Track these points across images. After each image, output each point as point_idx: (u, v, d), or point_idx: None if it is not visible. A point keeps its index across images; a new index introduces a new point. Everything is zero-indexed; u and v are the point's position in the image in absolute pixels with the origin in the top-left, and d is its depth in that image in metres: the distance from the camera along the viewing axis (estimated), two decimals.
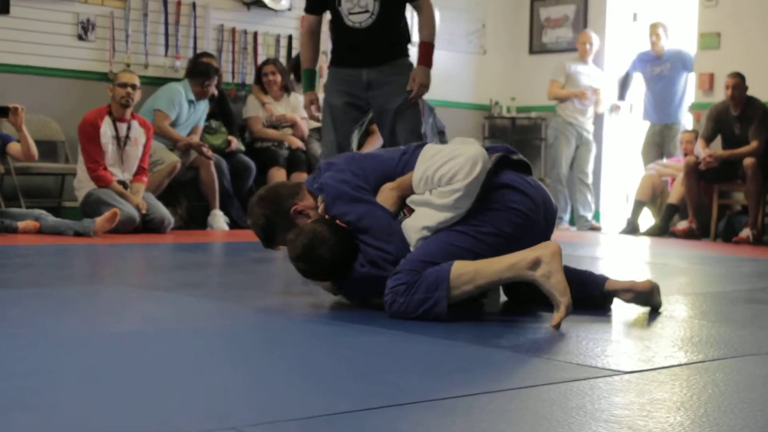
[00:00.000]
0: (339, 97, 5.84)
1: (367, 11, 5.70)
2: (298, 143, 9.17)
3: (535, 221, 3.61)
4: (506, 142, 11.84)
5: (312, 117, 6.17)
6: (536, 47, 11.94)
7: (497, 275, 3.39)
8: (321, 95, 6.02)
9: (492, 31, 11.85)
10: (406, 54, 5.89)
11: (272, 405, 2.18)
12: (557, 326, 3.31)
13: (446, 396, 2.32)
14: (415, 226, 3.51)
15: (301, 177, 8.62)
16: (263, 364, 2.71)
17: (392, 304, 3.39)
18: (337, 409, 2.13)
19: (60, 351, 2.74)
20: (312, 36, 6.03)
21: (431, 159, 3.52)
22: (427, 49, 5.80)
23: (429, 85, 5.77)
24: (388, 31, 5.77)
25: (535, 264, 3.34)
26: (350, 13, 5.71)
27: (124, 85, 7.67)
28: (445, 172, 3.45)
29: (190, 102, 8.59)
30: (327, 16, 5.98)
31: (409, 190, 3.58)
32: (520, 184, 3.63)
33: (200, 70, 8.62)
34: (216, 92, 8.80)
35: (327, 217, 3.59)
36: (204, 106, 8.77)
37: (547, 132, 11.23)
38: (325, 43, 8.41)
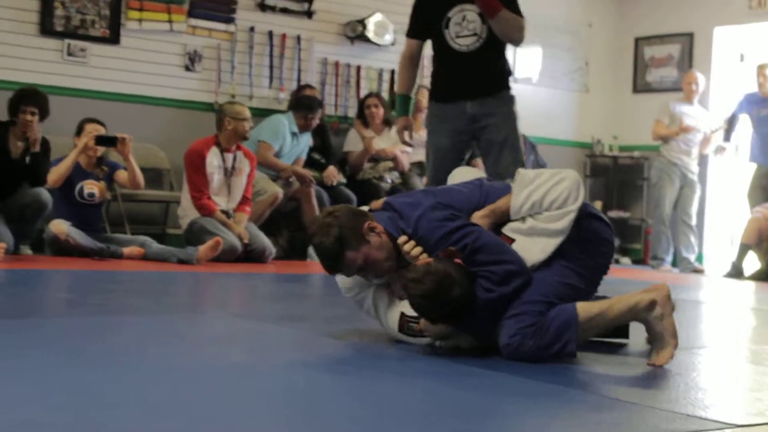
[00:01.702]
0: (444, 137, 5.81)
1: (475, 34, 5.66)
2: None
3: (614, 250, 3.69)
4: (608, 181, 11.74)
5: (404, 142, 6.13)
6: (640, 86, 11.82)
7: (619, 317, 3.44)
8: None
9: (595, 69, 11.76)
10: (509, 86, 5.85)
11: None
12: (661, 365, 3.35)
13: None
14: (530, 259, 3.46)
15: None
16: (370, 399, 2.69)
17: (520, 347, 3.32)
18: None
19: (162, 382, 2.75)
20: (411, 61, 5.97)
21: (532, 183, 3.51)
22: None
23: None
24: (493, 59, 5.73)
25: (652, 306, 3.38)
26: (457, 36, 5.67)
27: (245, 120, 7.80)
28: (557, 195, 3.47)
29: (294, 134, 8.66)
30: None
31: (503, 217, 3.54)
32: (600, 213, 3.68)
33: (304, 103, 8.68)
34: (318, 124, 8.85)
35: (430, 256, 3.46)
36: (307, 139, 8.83)
37: (649, 172, 11.08)
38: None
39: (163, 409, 2.38)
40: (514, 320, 3.34)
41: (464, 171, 4.18)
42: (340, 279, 3.71)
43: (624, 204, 11.76)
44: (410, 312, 3.50)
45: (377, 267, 3.51)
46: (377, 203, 3.69)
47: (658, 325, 3.39)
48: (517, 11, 5.69)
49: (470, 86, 5.74)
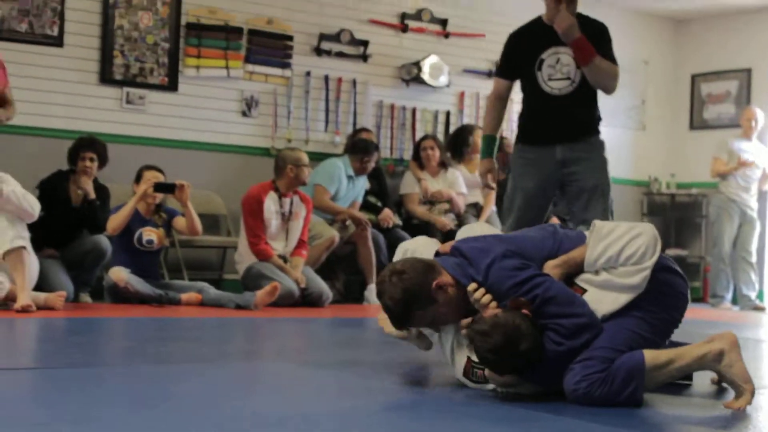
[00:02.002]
0: (531, 180, 5.64)
1: (568, 78, 5.54)
2: (445, 225, 9.03)
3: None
4: (665, 219, 11.64)
5: (487, 185, 5.94)
6: (697, 123, 11.73)
7: (686, 368, 3.44)
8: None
9: (652, 106, 11.71)
10: (599, 132, 5.70)
11: None
12: (741, 408, 3.36)
13: None
14: (600, 310, 3.43)
15: None
16: None
17: (588, 393, 3.30)
18: None
19: (226, 430, 2.76)
20: (499, 101, 5.82)
21: (609, 237, 3.48)
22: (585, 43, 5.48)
23: (566, 28, 5.42)
24: (585, 104, 5.61)
25: (720, 356, 3.39)
26: (550, 79, 5.56)
27: (305, 165, 7.87)
28: (633, 251, 3.45)
29: (350, 177, 8.69)
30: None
31: (576, 268, 3.51)
32: (675, 265, 3.65)
33: (360, 147, 8.72)
34: (373, 167, 8.86)
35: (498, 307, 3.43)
36: (363, 182, 8.86)
37: (708, 209, 10.99)
38: None
39: None
40: (580, 365, 3.32)
41: (476, 228, 4.15)
42: None
43: (682, 242, 11.66)
44: (476, 358, 3.48)
45: (445, 321, 3.55)
46: (445, 247, 3.68)
47: (729, 373, 3.39)
48: (611, 58, 5.60)
49: (561, 130, 5.60)
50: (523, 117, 5.82)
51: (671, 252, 11.37)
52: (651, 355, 3.36)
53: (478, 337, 3.31)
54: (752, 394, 3.38)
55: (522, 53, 5.69)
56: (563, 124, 5.59)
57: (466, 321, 3.48)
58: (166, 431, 2.70)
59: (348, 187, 8.71)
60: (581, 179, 5.58)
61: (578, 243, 3.57)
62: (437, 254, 3.67)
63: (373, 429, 2.95)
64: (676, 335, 3.68)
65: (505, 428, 3.01)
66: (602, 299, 3.44)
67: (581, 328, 3.36)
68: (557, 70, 5.54)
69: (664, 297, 3.53)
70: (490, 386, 3.50)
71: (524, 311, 3.33)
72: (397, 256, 3.95)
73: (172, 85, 8.61)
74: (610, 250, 3.46)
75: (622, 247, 3.45)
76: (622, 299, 3.45)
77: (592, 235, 3.51)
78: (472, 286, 3.45)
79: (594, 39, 5.52)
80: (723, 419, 3.29)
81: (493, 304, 3.40)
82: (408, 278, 3.44)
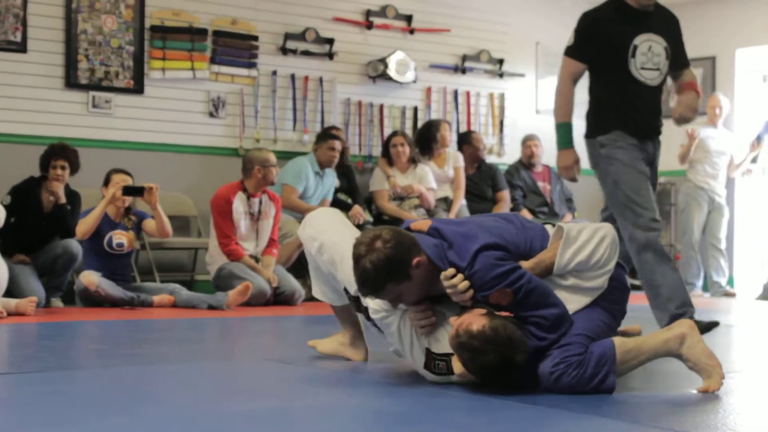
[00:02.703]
0: (643, 164, 5.38)
1: (658, 69, 5.36)
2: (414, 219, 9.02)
3: None
4: None
5: (572, 179, 5.65)
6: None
7: (653, 352, 3.46)
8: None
9: None
10: None
11: None
12: (714, 390, 3.40)
13: None
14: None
15: None
16: None
17: (562, 376, 3.32)
18: None
19: (200, 429, 2.76)
20: (574, 85, 5.45)
21: (576, 242, 3.50)
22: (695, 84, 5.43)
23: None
24: (661, 97, 5.47)
25: (682, 339, 3.43)
26: (642, 68, 5.31)
27: (272, 166, 7.85)
28: (600, 256, 3.51)
29: (317, 173, 8.69)
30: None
31: (545, 272, 3.50)
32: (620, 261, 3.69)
33: (325, 133, 8.79)
34: (338, 157, 8.83)
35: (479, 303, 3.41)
36: (332, 179, 8.86)
37: (676, 197, 11.05)
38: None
39: None
40: (559, 350, 3.36)
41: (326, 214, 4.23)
42: (370, 301, 3.64)
43: None
44: (436, 349, 3.48)
45: (408, 300, 3.49)
46: (422, 225, 3.60)
47: (693, 355, 3.42)
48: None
49: (652, 124, 5.43)
50: (611, 104, 5.40)
51: None
52: (619, 342, 3.41)
53: (468, 353, 3.26)
54: (720, 372, 3.41)
55: (610, 37, 5.36)
56: (654, 118, 5.44)
57: (455, 322, 3.37)
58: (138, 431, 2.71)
59: (316, 184, 8.71)
60: (653, 178, 5.48)
61: (543, 241, 3.59)
62: (409, 229, 3.60)
63: (349, 423, 2.96)
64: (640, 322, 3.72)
65: (475, 417, 3.03)
66: (569, 300, 3.48)
67: (560, 319, 3.40)
68: (649, 59, 5.32)
69: (617, 291, 3.61)
70: (454, 378, 3.47)
71: (505, 302, 3.33)
72: (301, 228, 4.11)
73: (138, 88, 8.59)
74: (579, 255, 3.49)
75: (591, 252, 3.49)
76: (586, 300, 3.51)
77: (562, 241, 3.51)
78: (450, 271, 3.40)
79: (677, 35, 5.44)
80: (695, 402, 3.32)
81: (470, 293, 3.38)
82: (392, 247, 3.37)
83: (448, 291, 3.42)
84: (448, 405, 3.21)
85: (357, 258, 3.40)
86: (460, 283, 3.38)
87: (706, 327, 5.21)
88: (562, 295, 3.48)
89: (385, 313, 3.61)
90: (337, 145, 8.71)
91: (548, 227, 3.67)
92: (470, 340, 3.25)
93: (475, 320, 3.28)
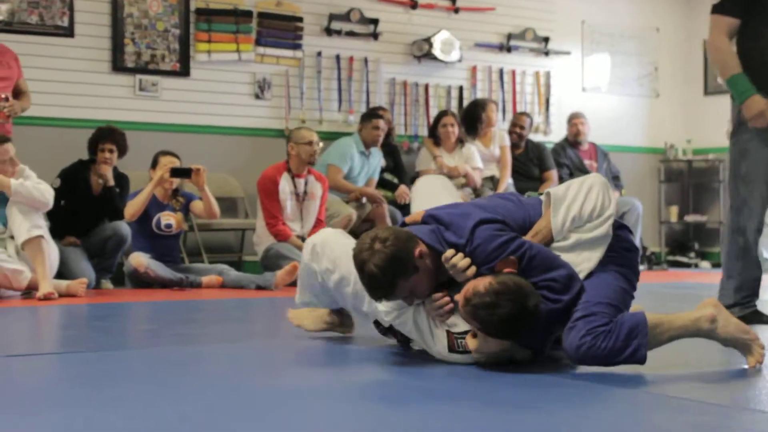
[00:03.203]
0: None
1: None
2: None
3: None
4: (683, 186, 11.62)
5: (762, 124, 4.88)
6: (711, 88, 11.68)
7: (683, 329, 3.40)
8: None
9: (665, 73, 11.66)
10: None
11: None
12: (756, 365, 3.39)
13: None
14: (578, 271, 3.45)
15: None
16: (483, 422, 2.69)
17: (591, 347, 3.26)
18: None
19: (250, 408, 2.79)
20: (730, 40, 4.93)
21: (566, 199, 3.48)
22: None
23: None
24: None
25: (713, 319, 3.39)
26: None
27: (309, 143, 7.83)
28: (593, 205, 3.48)
29: (362, 153, 8.70)
30: None
31: (546, 239, 3.48)
32: (622, 222, 3.66)
33: (369, 113, 8.79)
34: (382, 136, 8.82)
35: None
36: (377, 158, 8.86)
37: (725, 174, 10.94)
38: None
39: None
40: (583, 321, 3.30)
41: (432, 181, 4.15)
42: (381, 305, 3.59)
43: (700, 208, 11.63)
44: (456, 329, 3.46)
45: (421, 293, 3.46)
46: (415, 216, 3.60)
47: (726, 332, 3.39)
48: None
49: None
50: (764, 62, 4.86)
51: (690, 218, 11.37)
52: (650, 316, 3.37)
53: (484, 312, 3.23)
54: (760, 343, 3.40)
55: None
56: None
57: (461, 300, 3.32)
58: (191, 410, 2.73)
59: (362, 164, 8.72)
60: None
61: (539, 209, 3.58)
62: (404, 225, 3.60)
63: (403, 400, 2.98)
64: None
65: (524, 391, 3.03)
66: (577, 261, 3.45)
67: (570, 279, 3.37)
68: None
69: (627, 252, 3.57)
70: (476, 356, 3.42)
71: (510, 271, 3.31)
72: (306, 251, 3.92)
73: (184, 71, 8.64)
74: (572, 210, 3.46)
75: (582, 204, 3.47)
76: (596, 256, 3.47)
77: (552, 203, 3.49)
78: (450, 252, 3.39)
79: None
80: (733, 377, 3.32)
81: (472, 269, 3.35)
82: (392, 245, 3.33)
83: (450, 271, 3.40)
84: (493, 381, 3.21)
85: (361, 265, 3.37)
86: (461, 261, 3.36)
87: None
88: (569, 258, 3.45)
89: (397, 312, 3.57)
90: (382, 124, 8.70)
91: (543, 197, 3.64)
92: (482, 298, 3.23)
93: (480, 281, 3.28)
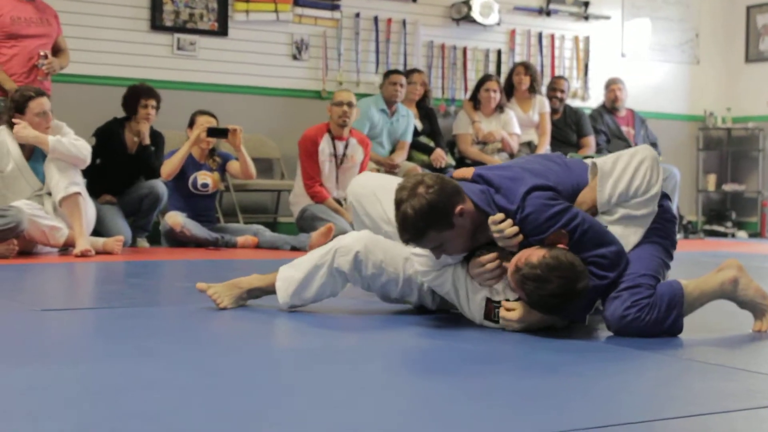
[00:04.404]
0: None
1: None
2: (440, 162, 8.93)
3: None
4: (721, 154, 11.52)
5: None
6: (753, 55, 11.55)
7: (712, 294, 3.45)
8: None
9: (706, 40, 11.53)
10: None
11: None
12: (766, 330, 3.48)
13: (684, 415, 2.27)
14: (625, 245, 3.41)
15: None
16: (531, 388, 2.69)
17: (635, 320, 3.27)
18: (568, 427, 2.10)
19: (284, 364, 2.80)
20: None
21: (614, 173, 3.43)
22: None
23: None
24: None
25: (736, 281, 3.44)
26: None
27: (339, 104, 7.81)
28: (641, 181, 3.43)
29: (383, 111, 8.61)
30: None
31: (591, 212, 3.43)
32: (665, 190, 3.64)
33: (390, 71, 8.77)
34: (403, 93, 8.75)
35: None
36: (407, 120, 8.75)
37: (765, 143, 10.85)
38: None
39: (296, 389, 2.45)
40: (629, 293, 3.29)
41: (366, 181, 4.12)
42: (419, 261, 3.54)
43: (739, 177, 11.53)
44: (496, 296, 3.43)
45: (452, 250, 3.39)
46: (465, 172, 3.51)
47: (747, 295, 3.45)
48: None
49: None
50: None
51: (728, 187, 11.28)
52: (684, 284, 3.39)
53: (532, 284, 3.19)
54: None
55: None
56: None
57: (510, 269, 3.27)
58: (221, 365, 2.75)
59: (383, 121, 8.62)
60: None
61: (584, 174, 3.51)
62: (454, 178, 3.49)
63: (442, 362, 2.98)
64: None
65: (558, 355, 3.03)
66: (624, 234, 3.42)
67: (619, 256, 3.33)
68: None
69: (667, 223, 3.54)
70: (515, 326, 3.38)
71: (562, 245, 3.26)
72: (342, 258, 3.74)
73: (222, 31, 8.63)
74: (620, 186, 3.41)
75: (630, 180, 3.41)
76: (641, 230, 3.45)
77: (598, 177, 3.43)
78: (499, 216, 3.31)
79: None
80: (750, 341, 3.38)
81: (518, 238, 3.30)
82: (435, 194, 3.24)
83: (495, 236, 3.33)
84: (529, 346, 3.20)
85: (398, 203, 3.28)
86: (508, 227, 3.30)
87: None
88: (615, 230, 3.41)
89: (435, 273, 3.49)
90: (401, 80, 8.63)
91: (588, 162, 3.59)
92: (533, 270, 3.18)
93: (534, 252, 3.23)
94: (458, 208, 3.27)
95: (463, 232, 3.34)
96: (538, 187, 3.34)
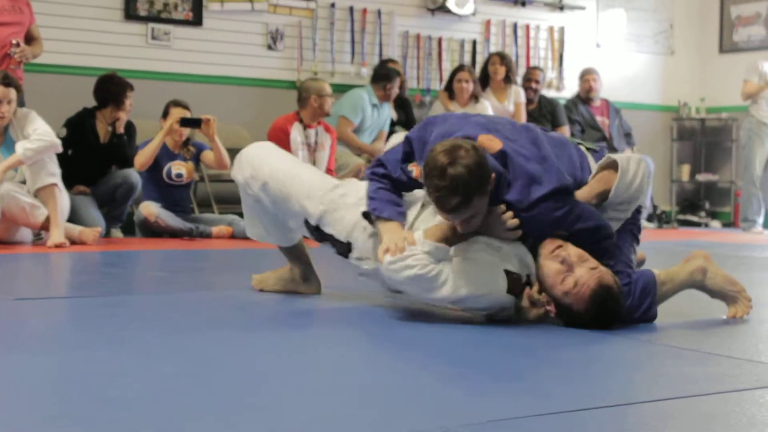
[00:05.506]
0: None
1: None
2: None
3: None
4: (695, 145, 11.58)
5: None
6: (726, 46, 11.61)
7: (682, 284, 3.54)
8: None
9: (680, 31, 11.58)
10: None
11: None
12: (743, 315, 3.54)
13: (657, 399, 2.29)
14: None
15: None
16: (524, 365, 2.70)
17: None
18: (543, 410, 2.10)
19: (266, 352, 2.80)
20: None
21: (633, 183, 3.42)
22: None
23: None
24: None
25: (704, 271, 3.53)
26: None
27: (329, 96, 7.86)
28: (638, 188, 3.45)
29: (374, 106, 8.67)
30: None
31: (597, 202, 3.41)
32: None
33: (381, 75, 8.71)
34: (397, 93, 8.81)
35: None
36: (388, 110, 8.83)
37: (738, 133, 10.90)
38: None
39: (273, 376, 2.45)
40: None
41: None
42: (417, 256, 3.24)
43: (712, 167, 11.59)
44: (512, 267, 3.32)
45: (477, 222, 3.25)
46: (492, 142, 3.32)
47: (715, 284, 3.53)
48: None
49: None
50: None
51: (701, 177, 11.34)
52: (657, 273, 3.47)
53: (597, 308, 3.20)
54: (746, 296, 3.53)
55: None
56: None
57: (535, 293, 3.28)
58: (197, 353, 2.75)
59: (373, 116, 8.69)
60: None
61: (583, 161, 3.52)
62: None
63: (456, 348, 2.98)
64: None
65: (548, 341, 3.04)
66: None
67: (616, 248, 3.41)
68: None
69: (638, 213, 3.56)
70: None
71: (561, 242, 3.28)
72: (234, 170, 3.91)
73: (196, 20, 8.60)
74: (629, 191, 3.41)
75: (637, 187, 3.42)
76: (620, 224, 3.47)
77: (618, 175, 3.38)
78: (501, 207, 3.26)
79: None
80: (724, 327, 3.43)
81: (518, 232, 3.29)
82: (479, 156, 3.12)
83: (492, 221, 3.28)
84: (512, 329, 3.22)
85: (441, 168, 3.06)
86: (510, 219, 3.27)
87: None
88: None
89: (432, 265, 3.23)
90: (395, 86, 8.68)
91: (582, 148, 3.60)
92: (608, 293, 3.20)
93: (605, 275, 3.22)
94: (493, 176, 3.18)
95: (486, 204, 3.24)
96: (554, 193, 3.26)
